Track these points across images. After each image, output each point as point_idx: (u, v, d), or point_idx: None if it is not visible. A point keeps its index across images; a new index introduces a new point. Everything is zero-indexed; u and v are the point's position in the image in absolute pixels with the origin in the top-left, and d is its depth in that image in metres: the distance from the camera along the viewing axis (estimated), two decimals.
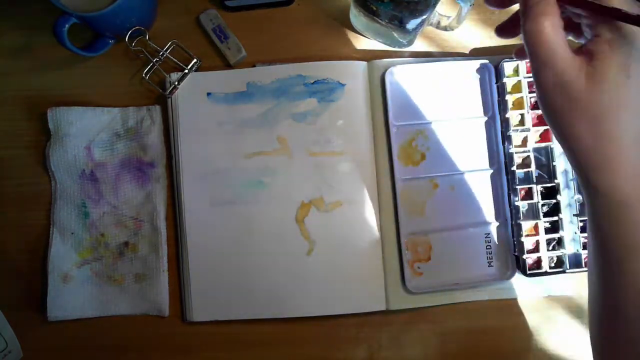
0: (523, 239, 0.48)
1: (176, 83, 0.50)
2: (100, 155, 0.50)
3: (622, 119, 0.29)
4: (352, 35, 0.52)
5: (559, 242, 0.49)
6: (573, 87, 0.29)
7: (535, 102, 0.50)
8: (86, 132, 0.50)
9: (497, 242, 0.50)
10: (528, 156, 0.49)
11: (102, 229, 0.50)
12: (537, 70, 0.30)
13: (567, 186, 0.49)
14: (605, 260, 0.31)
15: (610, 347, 0.33)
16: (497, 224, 0.50)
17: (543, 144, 0.49)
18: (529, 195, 0.49)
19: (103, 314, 0.49)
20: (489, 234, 0.50)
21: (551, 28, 0.29)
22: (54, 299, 0.48)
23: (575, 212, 0.49)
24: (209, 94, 0.50)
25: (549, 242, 0.49)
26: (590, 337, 0.36)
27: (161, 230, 0.49)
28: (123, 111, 0.50)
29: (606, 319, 0.33)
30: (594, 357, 0.36)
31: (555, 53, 0.29)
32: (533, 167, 0.49)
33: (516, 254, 0.49)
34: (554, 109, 0.30)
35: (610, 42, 0.29)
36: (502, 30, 0.37)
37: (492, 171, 0.50)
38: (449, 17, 0.49)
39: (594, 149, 0.29)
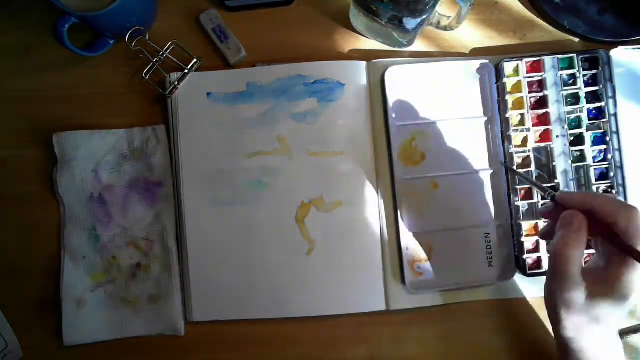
0: (523, 239, 0.48)
1: (176, 83, 0.50)
2: (107, 177, 0.50)
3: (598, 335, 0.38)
4: (352, 35, 0.52)
5: None
6: (575, 302, 0.37)
7: (536, 102, 0.50)
8: (93, 155, 0.50)
9: (497, 242, 0.50)
10: (528, 156, 0.49)
11: (114, 251, 0.50)
12: (552, 279, 0.38)
13: (567, 186, 0.49)
14: None
15: None
16: (497, 224, 0.50)
17: (543, 144, 0.49)
18: (528, 195, 0.49)
19: (119, 336, 0.49)
20: (488, 234, 0.50)
21: (577, 258, 0.37)
22: (69, 324, 0.48)
23: None
24: (209, 94, 0.50)
25: (548, 242, 0.49)
26: None
27: (172, 249, 0.49)
28: (128, 132, 0.50)
29: None
30: None
31: (572, 277, 0.37)
32: (533, 167, 0.49)
33: (516, 254, 0.49)
34: (553, 304, 0.39)
35: (618, 274, 0.37)
36: (546, 235, 0.44)
37: (492, 171, 0.50)
38: (449, 17, 0.49)
39: (574, 342, 0.39)
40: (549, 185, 0.49)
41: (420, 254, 0.50)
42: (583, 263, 0.38)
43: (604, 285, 0.37)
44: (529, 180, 0.47)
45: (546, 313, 0.50)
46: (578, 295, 0.37)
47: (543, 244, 0.48)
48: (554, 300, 0.38)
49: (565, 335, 0.39)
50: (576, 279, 0.37)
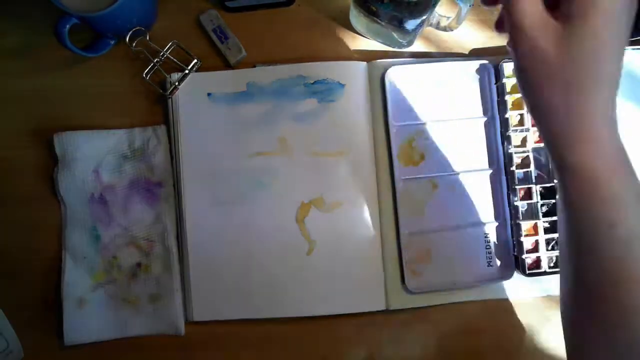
0: (522, 238, 0.48)
1: (176, 83, 0.50)
2: (108, 177, 0.50)
3: (595, 90, 0.28)
4: (352, 36, 0.52)
5: (558, 242, 0.49)
6: (547, 54, 0.28)
7: None
8: (93, 155, 0.50)
9: (496, 242, 0.50)
10: (527, 156, 0.49)
11: (114, 251, 0.50)
12: (513, 36, 0.29)
13: None
14: (576, 238, 0.31)
15: (581, 317, 0.34)
16: (497, 224, 0.50)
17: (542, 144, 0.49)
18: (528, 195, 0.49)
19: (119, 336, 0.49)
20: (488, 234, 0.50)
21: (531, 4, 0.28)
22: (70, 324, 0.48)
23: None
24: (209, 94, 0.50)
25: (548, 242, 0.49)
26: (562, 312, 0.36)
27: (172, 249, 0.49)
28: (129, 132, 0.50)
29: (578, 293, 0.33)
30: (564, 331, 0.36)
31: (529, 17, 0.27)
32: (532, 167, 0.49)
33: (515, 254, 0.49)
34: (528, 77, 0.29)
35: (586, 3, 0.27)
36: (500, 24, 0.36)
37: (491, 171, 0.50)
38: (448, 17, 0.49)
39: (566, 123, 0.29)
40: (548, 185, 0.49)
41: (420, 254, 0.50)
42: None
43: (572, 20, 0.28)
44: None
45: (547, 313, 0.50)
46: (547, 38, 0.28)
47: (543, 243, 0.49)
48: (524, 63, 0.29)
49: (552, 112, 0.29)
50: (540, 19, 0.28)
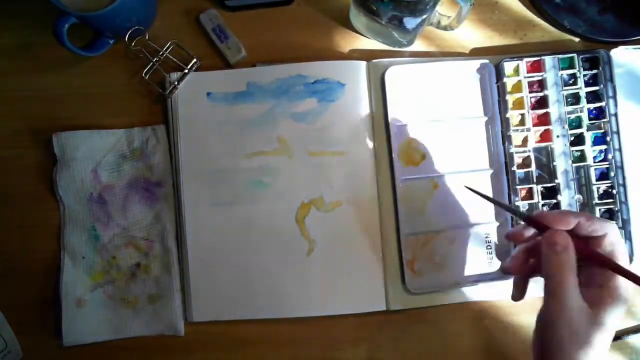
0: None
1: (176, 83, 0.50)
2: (107, 177, 0.50)
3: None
4: (352, 35, 0.52)
5: None
6: (580, 329, 0.34)
7: (536, 101, 0.50)
8: (92, 155, 0.50)
9: (497, 243, 0.50)
10: (528, 156, 0.49)
11: (113, 251, 0.50)
12: (552, 308, 0.35)
13: (568, 186, 0.49)
14: None
15: None
16: (497, 224, 0.50)
17: (543, 144, 0.49)
18: (529, 195, 0.49)
19: (118, 336, 0.49)
20: (488, 234, 0.50)
21: (573, 281, 0.34)
22: (68, 324, 0.48)
23: None
24: (208, 93, 0.50)
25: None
26: None
27: (172, 249, 0.49)
28: (128, 132, 0.50)
29: None
30: None
31: (571, 302, 0.34)
32: (533, 167, 0.49)
33: None
34: (556, 341, 0.35)
35: (612, 293, 0.34)
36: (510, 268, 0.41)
37: (492, 171, 0.50)
38: (449, 17, 0.49)
39: None
40: (549, 185, 0.49)
41: (420, 254, 0.49)
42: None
43: (599, 303, 0.35)
44: (497, 202, 0.46)
45: None
46: (581, 319, 0.34)
47: None
48: (557, 331, 0.35)
49: None
50: (578, 304, 0.34)
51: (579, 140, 0.50)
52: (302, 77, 0.50)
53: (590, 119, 0.49)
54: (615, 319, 0.35)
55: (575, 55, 0.49)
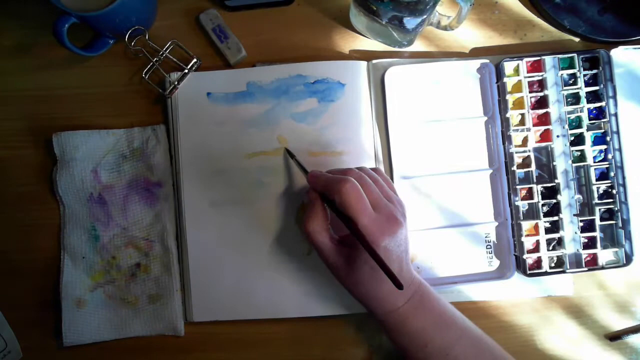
0: (523, 238, 0.48)
1: (176, 83, 0.50)
2: (107, 177, 0.50)
3: (368, 286, 0.42)
4: (352, 35, 0.52)
5: (559, 242, 0.49)
6: (337, 267, 0.42)
7: (536, 101, 0.50)
8: (92, 155, 0.50)
9: (497, 242, 0.50)
10: (528, 156, 0.49)
11: (113, 251, 0.50)
12: (316, 251, 0.43)
13: (568, 186, 0.49)
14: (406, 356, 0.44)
15: None
16: (497, 223, 0.50)
17: (543, 144, 0.49)
18: (529, 195, 0.49)
19: (118, 336, 0.49)
20: (488, 233, 0.50)
21: (315, 227, 0.42)
22: (68, 324, 0.48)
23: (575, 212, 0.49)
24: (208, 93, 0.50)
25: (549, 242, 0.49)
26: None
27: (172, 249, 0.49)
28: (128, 132, 0.50)
29: None
30: None
31: (320, 243, 0.42)
32: (533, 167, 0.49)
33: (516, 254, 0.49)
34: (334, 274, 0.44)
35: (354, 241, 0.40)
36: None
37: (492, 171, 0.50)
38: (449, 17, 0.49)
39: (362, 299, 0.43)
40: (549, 185, 0.49)
41: (420, 253, 0.49)
42: (328, 230, 0.42)
43: (353, 248, 0.41)
44: (297, 162, 0.47)
45: (547, 313, 0.50)
46: (337, 258, 0.42)
47: (543, 244, 0.48)
48: (328, 266, 0.43)
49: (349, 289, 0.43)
50: (326, 245, 0.42)
51: (579, 140, 0.50)
52: (302, 77, 0.50)
53: (590, 119, 0.49)
54: (358, 256, 0.41)
55: (575, 55, 0.49)
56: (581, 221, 0.49)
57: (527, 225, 0.49)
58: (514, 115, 0.49)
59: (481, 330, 0.45)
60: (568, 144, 0.49)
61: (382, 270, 0.38)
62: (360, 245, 0.39)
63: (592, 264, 0.49)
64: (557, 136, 0.49)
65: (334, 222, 0.43)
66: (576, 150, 0.49)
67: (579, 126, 0.49)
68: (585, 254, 0.49)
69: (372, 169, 0.45)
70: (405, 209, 0.43)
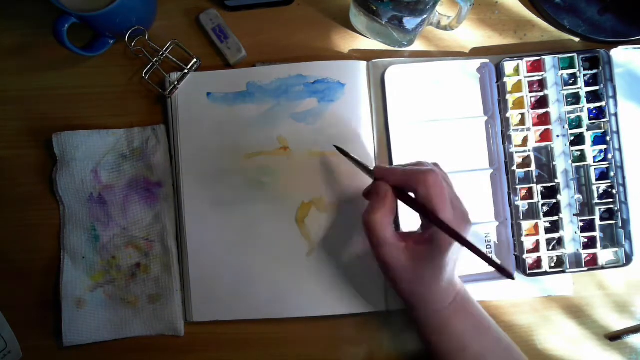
0: (523, 238, 0.48)
1: (176, 83, 0.50)
2: (107, 177, 0.50)
3: (424, 284, 0.41)
4: (352, 35, 0.52)
5: (559, 242, 0.49)
6: (396, 263, 0.41)
7: (536, 101, 0.50)
8: (92, 155, 0.50)
9: (497, 242, 0.50)
10: (528, 156, 0.49)
11: (113, 251, 0.50)
12: (372, 245, 0.41)
13: (568, 186, 0.49)
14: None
15: None
16: (497, 223, 0.50)
17: (543, 144, 0.49)
18: (529, 195, 0.49)
19: (118, 336, 0.49)
20: (488, 233, 0.50)
21: (381, 221, 0.40)
22: (68, 324, 0.48)
23: (575, 212, 0.49)
24: (208, 93, 0.50)
25: (549, 242, 0.49)
26: None
27: (172, 249, 0.49)
28: (128, 132, 0.50)
29: None
30: None
31: (383, 238, 0.40)
32: (533, 167, 0.49)
33: (516, 253, 0.49)
34: (384, 270, 0.42)
35: (429, 239, 0.40)
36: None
37: (492, 171, 0.50)
38: (449, 17, 0.49)
39: (413, 297, 0.42)
40: (549, 185, 0.49)
41: None
42: (391, 226, 0.41)
43: (423, 244, 0.40)
44: (354, 159, 0.46)
45: (547, 313, 0.50)
46: (398, 254, 0.40)
47: (543, 243, 0.48)
48: (380, 264, 0.42)
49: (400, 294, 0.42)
50: (389, 240, 0.40)
51: (579, 140, 0.50)
52: (302, 77, 0.50)
53: (590, 119, 0.49)
54: (426, 253, 0.40)
55: (575, 55, 0.49)
56: (581, 221, 0.49)
57: (527, 225, 0.49)
58: (514, 115, 0.49)
59: (509, 339, 0.44)
60: (568, 143, 0.49)
61: (443, 270, 0.39)
62: (432, 244, 0.39)
63: (592, 263, 0.49)
64: (557, 136, 0.49)
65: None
66: (576, 150, 0.49)
67: (579, 126, 0.49)
68: (585, 253, 0.49)
69: (434, 164, 0.44)
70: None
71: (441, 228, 0.38)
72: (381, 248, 0.40)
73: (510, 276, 0.36)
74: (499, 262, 0.36)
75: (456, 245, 0.39)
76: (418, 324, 0.44)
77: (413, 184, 0.39)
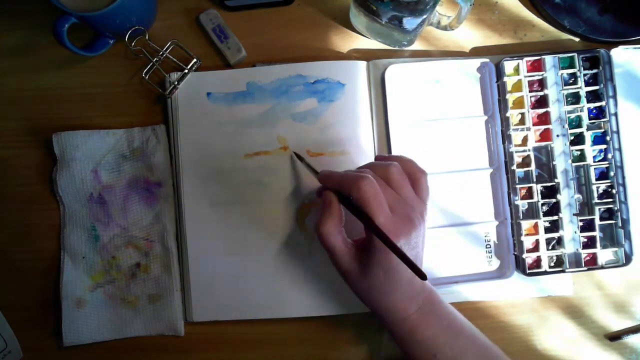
0: (523, 238, 0.48)
1: (176, 83, 0.50)
2: (107, 177, 0.50)
3: (382, 292, 0.41)
4: (352, 35, 0.52)
5: (559, 242, 0.49)
6: (350, 271, 0.41)
7: (536, 101, 0.50)
8: (92, 155, 0.50)
9: (496, 242, 0.50)
10: (528, 155, 0.49)
11: (113, 251, 0.50)
12: (328, 255, 0.42)
13: (567, 185, 0.49)
14: None
15: None
16: (497, 223, 0.50)
17: (543, 143, 0.49)
18: (529, 194, 0.49)
19: (118, 336, 0.49)
20: (488, 233, 0.50)
21: (330, 229, 0.40)
22: (68, 324, 0.48)
23: (575, 212, 0.49)
24: (208, 93, 0.50)
25: (548, 241, 0.49)
26: None
27: (172, 249, 0.49)
28: (128, 132, 0.50)
29: None
30: None
31: (333, 246, 0.41)
32: (533, 167, 0.49)
33: (516, 253, 0.49)
34: (344, 279, 0.43)
35: (372, 243, 0.39)
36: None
37: (492, 170, 0.50)
38: (449, 17, 0.49)
39: (373, 306, 0.43)
40: (549, 184, 0.49)
41: None
42: (342, 233, 0.41)
43: (366, 249, 0.40)
44: (306, 163, 0.46)
45: (547, 313, 0.50)
46: (350, 261, 0.41)
47: (543, 243, 0.48)
48: (339, 274, 0.42)
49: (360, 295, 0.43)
50: (339, 248, 0.41)
51: (578, 139, 0.50)
52: (302, 77, 0.50)
53: (590, 119, 0.49)
54: (371, 259, 0.40)
55: (575, 54, 0.49)
56: (581, 221, 0.49)
57: (526, 224, 0.49)
58: (514, 115, 0.49)
59: (486, 338, 0.44)
60: (568, 143, 0.49)
61: (395, 274, 0.38)
62: (374, 248, 0.39)
63: (592, 263, 0.49)
64: (557, 135, 0.50)
65: (346, 227, 0.42)
66: (576, 150, 0.49)
67: (579, 126, 0.49)
68: (584, 253, 0.49)
69: (395, 157, 0.43)
70: (425, 207, 0.42)
71: (372, 231, 0.38)
72: (333, 256, 0.41)
73: (424, 277, 0.35)
74: (418, 265, 0.37)
75: (403, 248, 0.39)
76: (389, 334, 0.44)
77: (349, 189, 0.39)
